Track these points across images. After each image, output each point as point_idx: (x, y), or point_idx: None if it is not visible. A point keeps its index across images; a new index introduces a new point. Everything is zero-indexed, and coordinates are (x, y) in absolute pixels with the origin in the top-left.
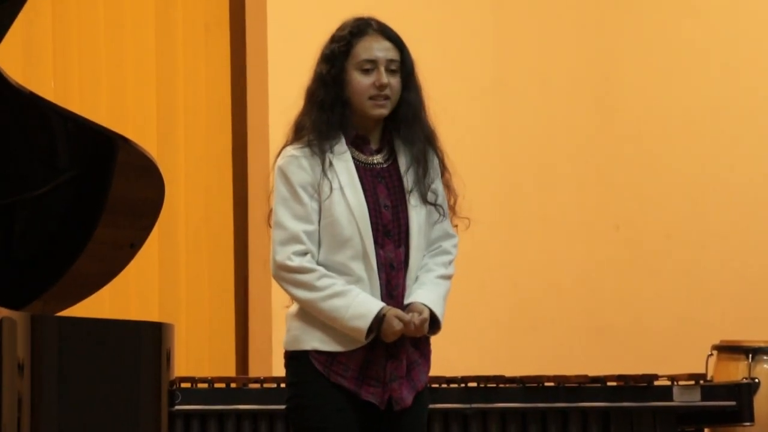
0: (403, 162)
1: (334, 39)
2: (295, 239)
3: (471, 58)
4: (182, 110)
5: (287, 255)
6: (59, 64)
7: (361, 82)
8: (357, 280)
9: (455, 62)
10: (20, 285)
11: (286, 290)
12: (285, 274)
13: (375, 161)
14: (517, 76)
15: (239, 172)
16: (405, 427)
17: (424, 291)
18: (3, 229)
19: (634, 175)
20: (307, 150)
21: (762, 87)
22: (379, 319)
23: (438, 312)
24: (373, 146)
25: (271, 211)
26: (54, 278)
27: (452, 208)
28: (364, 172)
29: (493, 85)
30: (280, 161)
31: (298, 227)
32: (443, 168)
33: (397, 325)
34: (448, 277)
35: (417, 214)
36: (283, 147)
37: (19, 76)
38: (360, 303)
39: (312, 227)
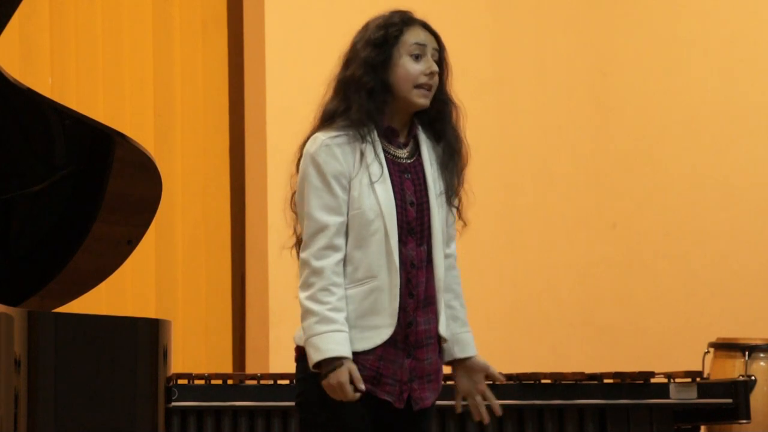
0: (428, 158)
1: (383, 26)
2: (324, 232)
3: (468, 55)
4: (179, 107)
5: (314, 251)
6: (56, 60)
7: (412, 67)
8: (375, 277)
9: (452, 59)
10: (17, 281)
11: (300, 277)
12: (305, 268)
13: (402, 155)
14: (515, 73)
15: (236, 169)
16: (425, 426)
17: (470, 337)
18: (0, 225)
19: (632, 173)
20: (340, 139)
21: (761, 85)
22: (333, 363)
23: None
24: (401, 140)
25: (293, 194)
26: (51, 274)
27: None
28: (392, 166)
29: (490, 82)
30: (311, 148)
31: (329, 219)
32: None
33: (343, 384)
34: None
35: (439, 212)
36: (312, 132)
37: (16, 72)
38: (329, 336)
39: (342, 219)
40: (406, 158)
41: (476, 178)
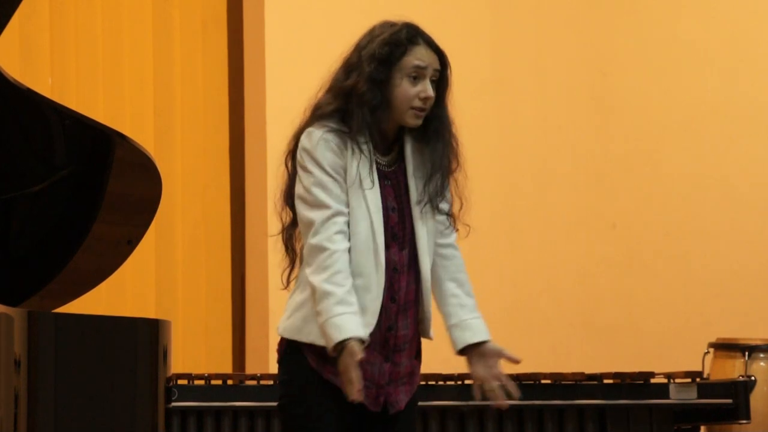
0: (411, 165)
1: (390, 42)
2: (335, 218)
3: (468, 55)
4: (179, 107)
5: (328, 235)
6: (56, 60)
7: (408, 89)
8: (361, 276)
9: (452, 60)
10: (17, 281)
11: (308, 266)
12: (319, 252)
13: (384, 162)
14: (515, 73)
15: (236, 169)
16: (401, 428)
17: (480, 323)
18: (0, 225)
19: (631, 173)
20: (335, 134)
21: (761, 85)
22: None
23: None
24: (387, 147)
25: (285, 189)
26: (51, 275)
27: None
28: (377, 171)
29: (490, 82)
30: (308, 144)
31: (340, 207)
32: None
33: (351, 364)
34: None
35: (424, 220)
36: (304, 126)
37: (16, 72)
38: (350, 318)
39: (348, 209)
40: (387, 165)
41: (476, 178)
